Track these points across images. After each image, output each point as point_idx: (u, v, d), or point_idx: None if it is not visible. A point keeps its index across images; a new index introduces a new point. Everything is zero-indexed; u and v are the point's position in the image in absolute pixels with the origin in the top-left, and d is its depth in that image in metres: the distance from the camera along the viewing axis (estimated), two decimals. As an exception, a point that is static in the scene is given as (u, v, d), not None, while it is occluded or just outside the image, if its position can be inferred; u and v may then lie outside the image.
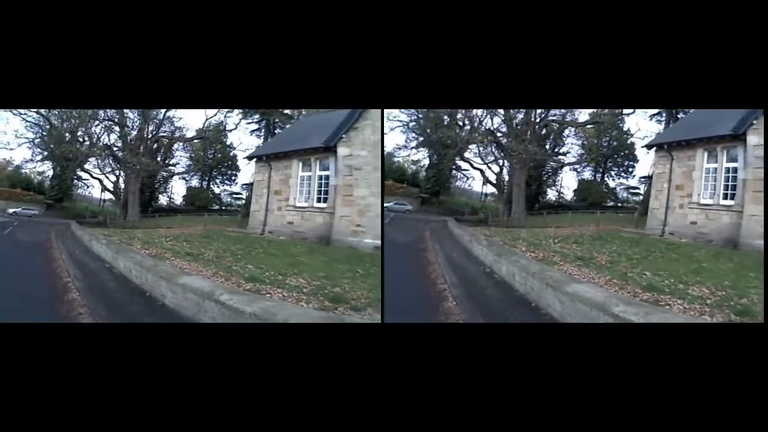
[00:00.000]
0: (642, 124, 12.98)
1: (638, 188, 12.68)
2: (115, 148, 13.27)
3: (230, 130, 13.49)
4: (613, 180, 12.93)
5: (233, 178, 13.41)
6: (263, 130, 13.50)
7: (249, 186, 13.17)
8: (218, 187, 13.50)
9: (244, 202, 13.26)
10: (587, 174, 13.34)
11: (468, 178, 13.54)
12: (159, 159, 13.60)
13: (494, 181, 13.53)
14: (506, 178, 13.43)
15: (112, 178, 13.46)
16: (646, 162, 12.66)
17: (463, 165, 13.59)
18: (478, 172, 13.49)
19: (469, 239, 10.75)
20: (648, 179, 12.44)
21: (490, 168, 13.49)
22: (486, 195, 13.57)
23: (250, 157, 12.91)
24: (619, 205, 12.93)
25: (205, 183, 13.49)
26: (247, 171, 13.32)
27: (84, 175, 13.44)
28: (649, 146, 12.06)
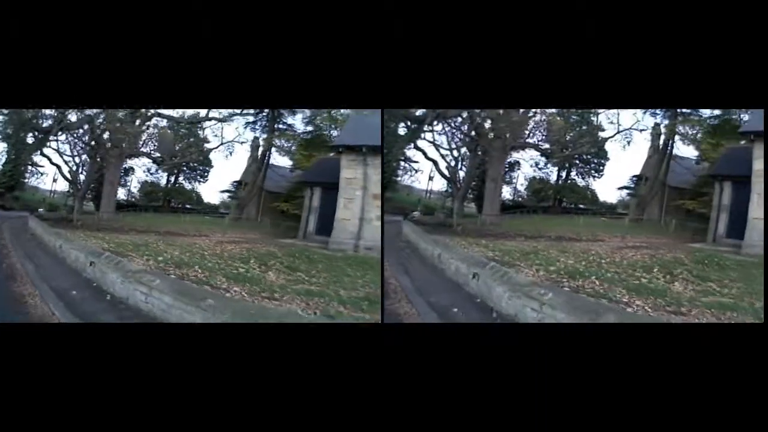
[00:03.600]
0: (635, 116, 11.42)
1: (633, 188, 11.47)
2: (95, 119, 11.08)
3: (211, 120, 11.50)
4: (584, 179, 11.56)
5: (205, 174, 11.68)
6: (262, 122, 11.79)
7: (238, 183, 11.61)
8: (189, 183, 11.59)
9: (237, 202, 11.61)
10: (548, 172, 11.70)
11: (417, 171, 11.47)
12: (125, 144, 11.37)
13: (448, 175, 11.53)
14: (461, 171, 11.52)
15: (70, 165, 11.30)
16: (620, 160, 11.32)
17: (413, 156, 11.42)
18: (431, 163, 11.41)
19: (469, 271, 7.38)
20: (639, 179, 11.34)
21: (444, 158, 11.54)
22: (431, 192, 11.51)
23: (336, 147, 10.75)
24: (585, 208, 11.41)
25: (172, 178, 11.60)
26: (220, 167, 11.55)
27: (40, 161, 11.25)
28: (744, 133, 9.93)
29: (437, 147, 11.46)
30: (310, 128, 11.52)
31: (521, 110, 11.01)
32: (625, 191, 11.52)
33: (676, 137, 11.15)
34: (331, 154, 11.04)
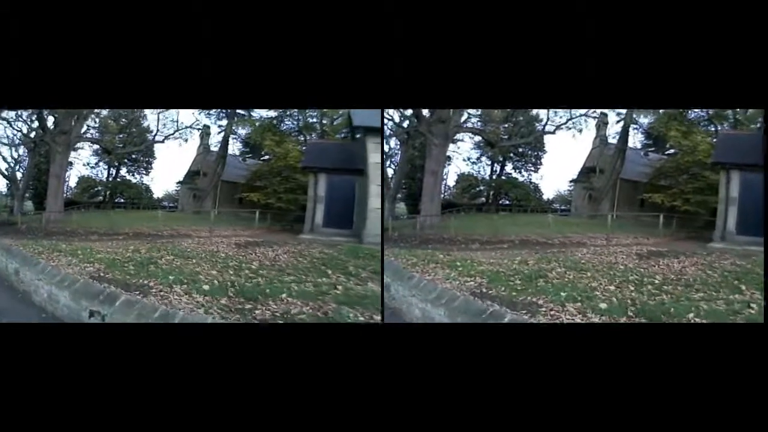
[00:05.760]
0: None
1: (588, 183, 10.61)
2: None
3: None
4: (521, 173, 10.58)
5: (148, 166, 10.61)
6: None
7: (195, 174, 10.60)
8: (134, 177, 10.52)
9: (196, 194, 10.50)
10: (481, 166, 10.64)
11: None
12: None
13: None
14: (390, 168, 10.10)
15: (8, 161, 9.96)
16: (558, 153, 10.49)
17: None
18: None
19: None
20: (592, 171, 10.58)
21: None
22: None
23: (358, 128, 9.49)
24: (523, 205, 10.43)
25: (113, 172, 10.44)
26: (164, 158, 10.48)
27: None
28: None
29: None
30: (272, 113, 10.51)
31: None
32: (567, 185, 10.74)
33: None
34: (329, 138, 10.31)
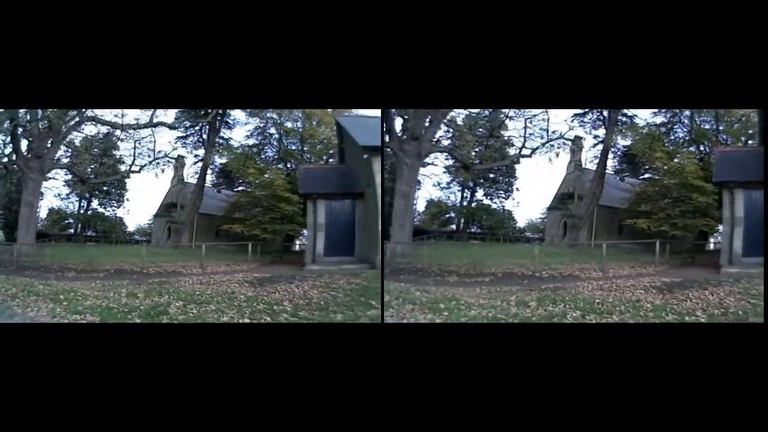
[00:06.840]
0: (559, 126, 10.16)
1: (565, 209, 10.19)
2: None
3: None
4: (492, 200, 10.16)
5: (120, 198, 10.22)
6: (197, 136, 10.30)
7: (171, 207, 10.29)
8: (106, 209, 10.12)
9: (175, 226, 10.07)
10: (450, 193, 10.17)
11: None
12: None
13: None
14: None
15: None
16: (530, 179, 10.05)
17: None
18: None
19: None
20: (569, 197, 10.26)
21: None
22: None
23: (368, 148, 8.79)
24: (495, 233, 10.00)
25: (84, 203, 10.06)
26: (138, 190, 10.12)
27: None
28: None
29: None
30: (251, 141, 10.29)
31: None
32: (539, 213, 10.30)
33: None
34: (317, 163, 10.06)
